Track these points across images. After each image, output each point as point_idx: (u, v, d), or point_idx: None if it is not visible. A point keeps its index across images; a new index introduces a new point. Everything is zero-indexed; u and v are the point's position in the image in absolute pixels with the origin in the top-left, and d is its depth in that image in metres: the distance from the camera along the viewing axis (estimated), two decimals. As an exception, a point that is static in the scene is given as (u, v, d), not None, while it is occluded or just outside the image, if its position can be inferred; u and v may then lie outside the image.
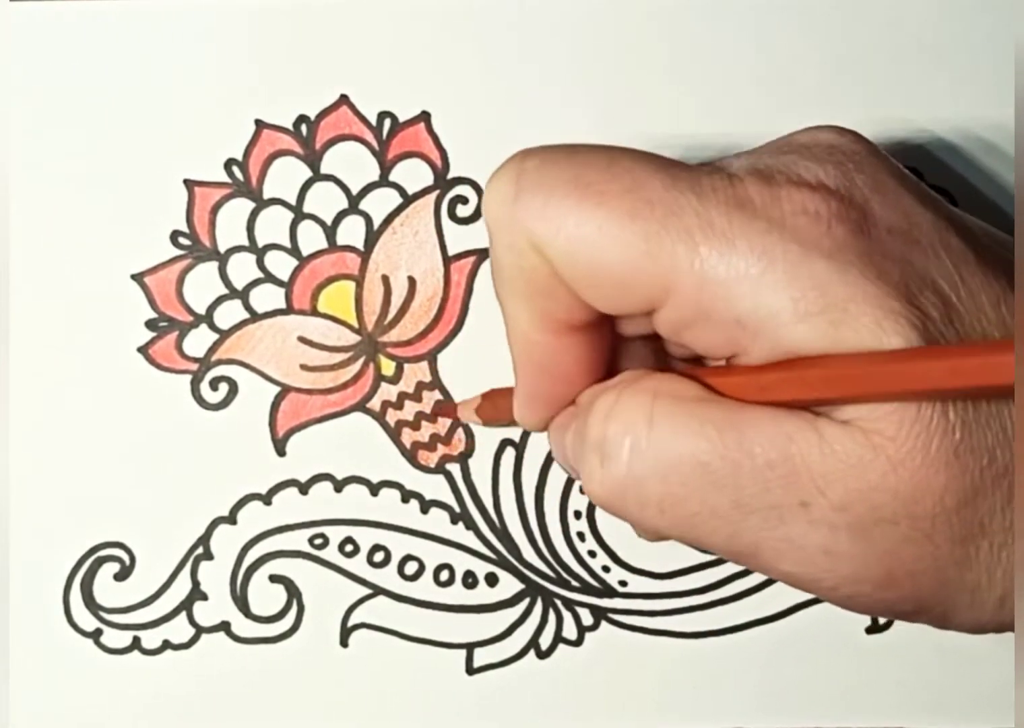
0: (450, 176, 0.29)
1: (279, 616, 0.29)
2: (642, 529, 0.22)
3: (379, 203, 0.29)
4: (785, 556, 0.20)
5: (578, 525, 0.29)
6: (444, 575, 0.29)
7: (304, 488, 0.29)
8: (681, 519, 0.20)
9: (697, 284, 0.20)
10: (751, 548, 0.20)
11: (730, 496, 0.20)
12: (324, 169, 0.29)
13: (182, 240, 0.29)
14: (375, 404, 0.29)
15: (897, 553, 0.19)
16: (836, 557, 0.20)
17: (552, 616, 0.29)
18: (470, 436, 0.29)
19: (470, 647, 0.29)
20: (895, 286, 0.19)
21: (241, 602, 0.29)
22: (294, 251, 0.29)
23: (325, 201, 0.29)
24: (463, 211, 0.29)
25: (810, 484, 0.19)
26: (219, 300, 0.29)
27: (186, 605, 0.29)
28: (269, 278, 0.29)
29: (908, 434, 0.19)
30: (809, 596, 0.30)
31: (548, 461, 0.29)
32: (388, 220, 0.29)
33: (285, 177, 0.29)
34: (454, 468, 0.29)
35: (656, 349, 0.24)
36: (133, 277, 0.29)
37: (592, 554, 0.29)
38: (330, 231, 0.29)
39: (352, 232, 0.29)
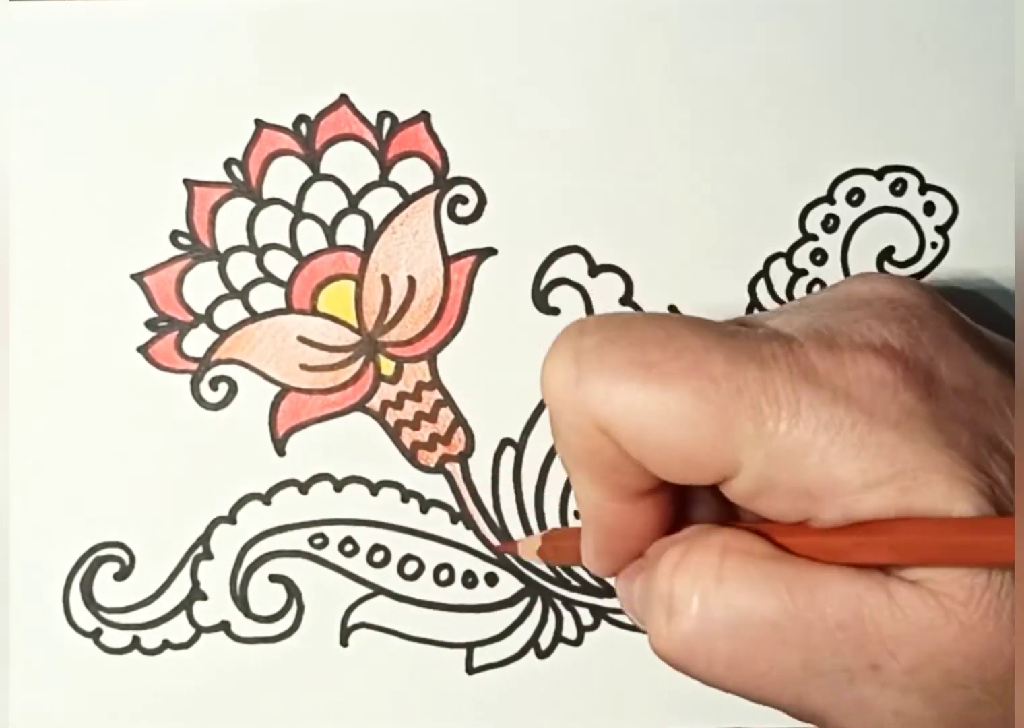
0: (450, 176, 0.29)
1: (279, 616, 0.29)
2: (707, 684, 0.22)
3: (379, 203, 0.29)
4: (854, 718, 0.20)
5: (578, 525, 0.29)
6: (444, 575, 0.29)
7: (304, 488, 0.29)
8: (748, 678, 0.20)
9: (765, 458, 0.20)
10: (820, 709, 0.20)
11: (799, 656, 0.20)
12: (324, 169, 0.29)
13: (182, 240, 0.29)
14: (375, 404, 0.29)
15: (968, 716, 0.19)
16: (907, 719, 0.20)
17: (552, 616, 0.29)
18: (470, 436, 0.29)
19: (470, 647, 0.29)
20: (964, 452, 0.19)
21: (241, 602, 0.29)
22: (294, 251, 0.29)
23: (325, 201, 0.29)
24: (463, 211, 0.29)
25: (880, 646, 0.19)
26: (219, 300, 0.29)
27: (186, 605, 0.29)
28: (269, 278, 0.29)
29: (979, 601, 0.19)
30: (809, 596, 0.30)
31: (548, 461, 0.29)
32: (388, 220, 0.29)
33: (285, 177, 0.29)
34: (454, 468, 0.29)
35: (724, 500, 0.23)
36: (133, 277, 0.29)
37: (592, 554, 0.29)
38: (330, 231, 0.29)
39: (352, 232, 0.29)
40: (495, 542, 0.29)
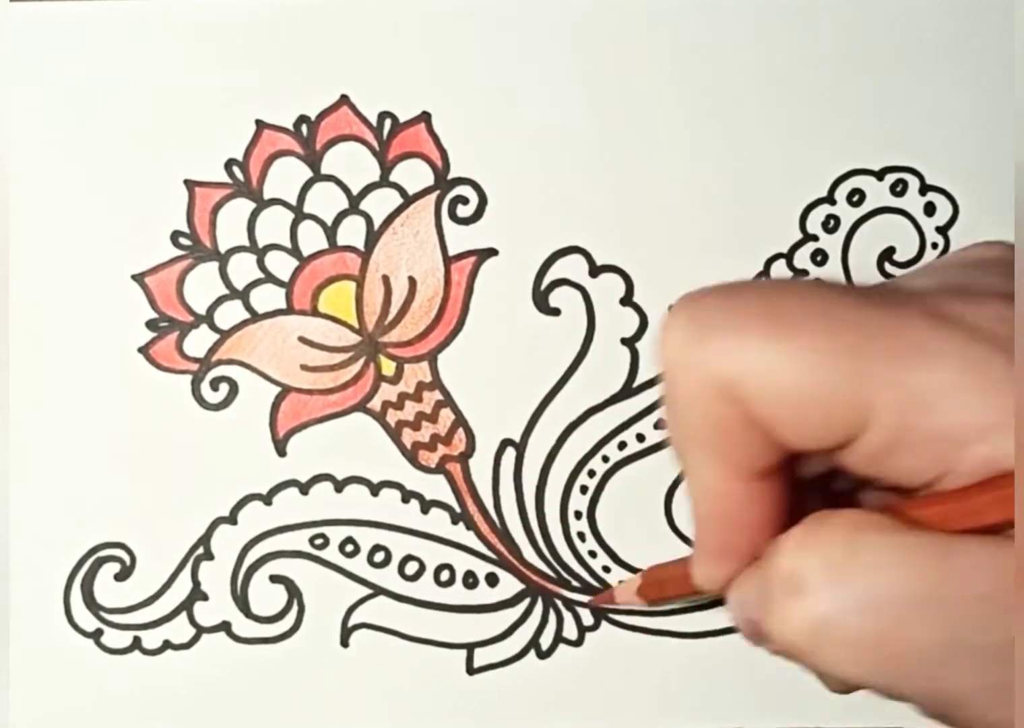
0: (450, 176, 0.29)
1: (280, 616, 0.29)
2: (832, 674, 0.20)
3: (379, 203, 0.29)
4: (997, 704, 0.19)
5: (578, 525, 0.29)
6: (444, 575, 0.29)
7: (305, 488, 0.29)
8: (880, 661, 0.19)
9: (903, 403, 0.19)
10: (959, 694, 0.19)
11: (940, 634, 0.18)
12: (324, 169, 0.29)
13: (183, 240, 0.29)
14: (375, 404, 0.29)
15: None
16: None
17: (552, 616, 0.29)
18: (470, 436, 0.29)
19: (470, 647, 0.29)
20: None
21: (241, 602, 0.29)
22: (294, 251, 0.29)
23: (325, 201, 0.29)
24: (463, 211, 0.29)
25: None
26: (220, 300, 0.29)
27: (186, 605, 0.29)
28: (269, 278, 0.29)
29: None
30: (809, 596, 0.30)
31: (548, 461, 0.29)
32: (388, 220, 0.29)
33: (285, 177, 0.29)
34: (454, 468, 0.29)
35: (827, 495, 0.22)
36: (134, 277, 0.29)
37: (592, 554, 0.29)
38: (330, 231, 0.29)
39: (352, 232, 0.29)
40: (496, 543, 0.29)
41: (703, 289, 0.20)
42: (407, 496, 0.29)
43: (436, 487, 0.29)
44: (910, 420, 0.19)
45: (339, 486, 0.29)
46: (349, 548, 0.29)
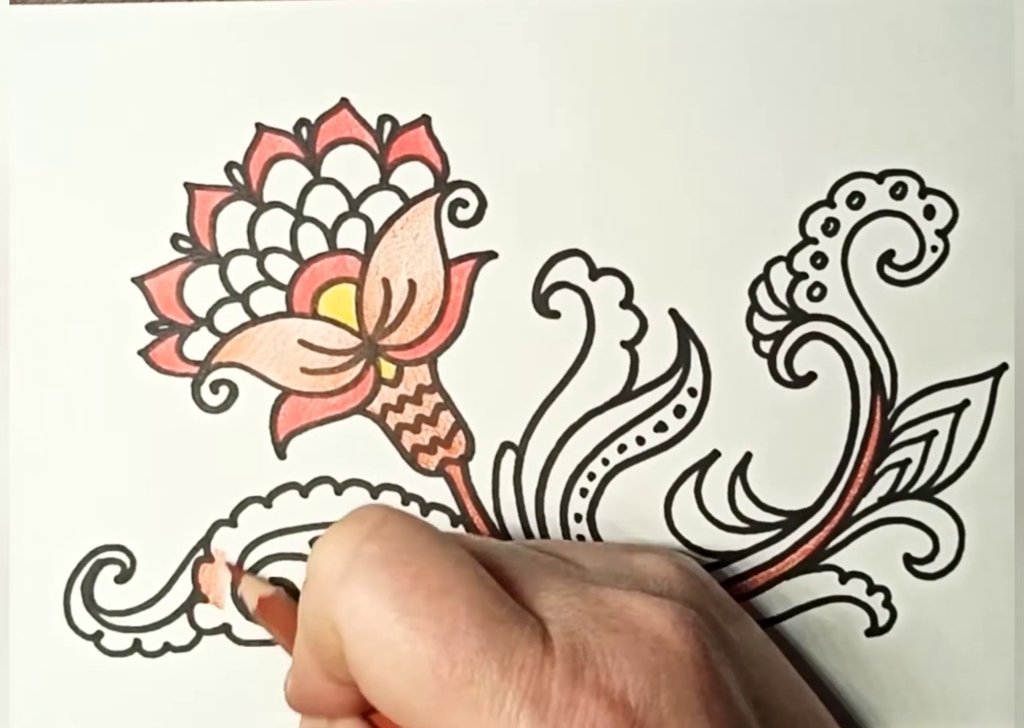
0: (450, 179, 0.29)
1: (279, 618, 0.29)
2: None
3: (379, 206, 0.29)
4: None
5: (578, 528, 0.29)
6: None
7: (305, 491, 0.29)
8: None
9: None
10: None
11: None
12: (324, 172, 0.29)
13: (182, 243, 0.29)
14: (375, 407, 0.29)
15: None
16: None
17: (552, 619, 0.29)
18: (470, 439, 0.29)
19: (470, 650, 0.29)
20: None
21: (242, 604, 0.29)
22: (294, 254, 0.29)
23: (325, 204, 0.29)
24: (463, 214, 0.29)
25: None
26: (219, 303, 0.29)
27: (187, 607, 0.29)
28: (269, 281, 0.29)
29: None
30: (809, 598, 0.30)
31: (548, 464, 0.29)
32: (388, 223, 0.29)
33: (285, 180, 0.29)
34: (454, 471, 0.29)
35: None
36: (133, 280, 0.29)
37: (592, 557, 0.29)
38: (330, 234, 0.29)
39: (352, 235, 0.29)
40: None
41: (377, 525, 0.22)
42: (407, 499, 0.29)
43: (436, 490, 0.29)
44: None
45: (339, 489, 0.29)
46: (349, 551, 0.29)
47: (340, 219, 0.29)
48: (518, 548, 0.24)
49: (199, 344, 0.29)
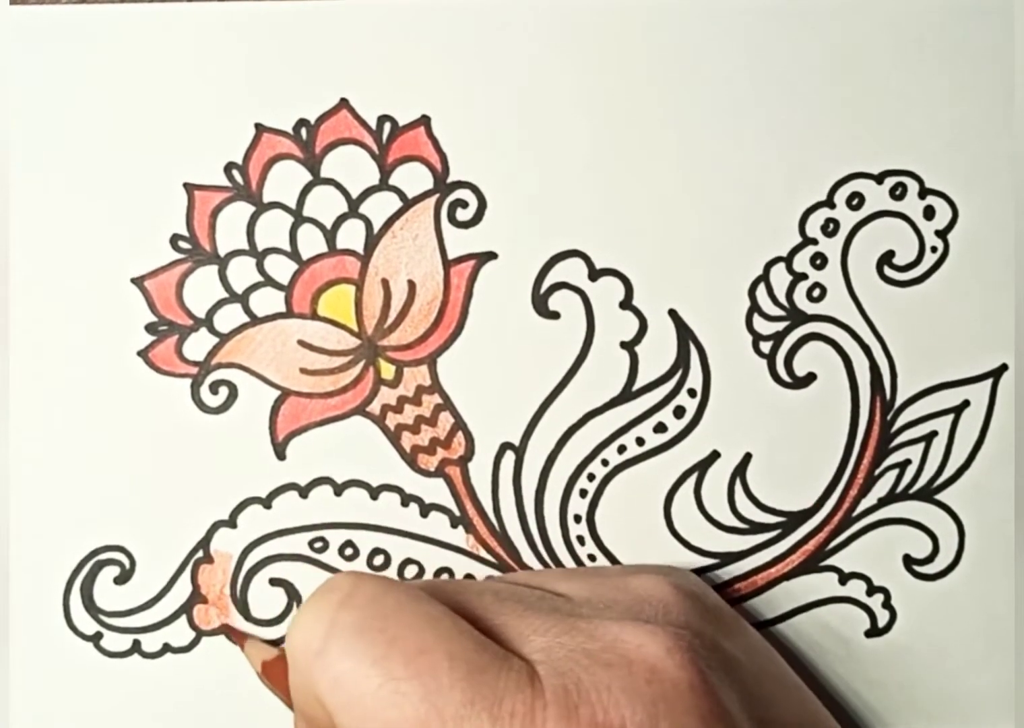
0: (450, 180, 0.29)
1: (279, 619, 0.29)
2: None
3: (379, 207, 0.29)
4: None
5: (578, 529, 0.29)
6: (443, 578, 0.29)
7: (304, 492, 0.29)
8: None
9: None
10: None
11: None
12: (324, 173, 0.29)
13: (182, 244, 0.29)
14: (375, 408, 0.29)
15: None
16: None
17: (552, 619, 0.29)
18: (470, 440, 0.29)
19: (470, 650, 0.29)
20: None
21: (241, 605, 0.29)
22: (294, 255, 0.29)
23: (325, 205, 0.29)
24: (463, 215, 0.29)
25: None
26: (219, 304, 0.29)
27: (186, 608, 0.29)
28: (269, 282, 0.29)
29: None
30: (809, 599, 0.30)
31: (548, 465, 0.29)
32: (388, 224, 0.29)
33: (285, 181, 0.29)
34: (454, 472, 0.29)
35: None
36: (133, 281, 0.29)
37: (592, 558, 0.29)
38: (330, 235, 0.29)
39: (352, 236, 0.29)
40: (495, 546, 0.29)
41: (351, 593, 0.22)
42: (406, 500, 0.29)
43: (435, 491, 0.29)
44: None
45: (338, 489, 0.29)
46: (348, 551, 0.29)
47: (340, 220, 0.29)
48: (501, 589, 0.24)
49: (199, 345, 0.29)
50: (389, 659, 0.21)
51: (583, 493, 0.29)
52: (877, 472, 0.30)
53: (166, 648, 0.29)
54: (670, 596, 0.24)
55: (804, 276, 0.29)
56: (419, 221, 0.29)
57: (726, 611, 0.26)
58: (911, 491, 0.30)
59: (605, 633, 0.22)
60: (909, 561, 0.30)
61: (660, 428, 0.29)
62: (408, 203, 0.29)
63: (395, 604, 0.22)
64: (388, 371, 0.29)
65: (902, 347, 0.30)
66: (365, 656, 0.21)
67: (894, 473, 0.30)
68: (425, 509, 0.29)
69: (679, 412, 0.29)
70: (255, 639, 0.28)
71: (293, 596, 0.29)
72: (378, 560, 0.29)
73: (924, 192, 0.29)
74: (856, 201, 0.29)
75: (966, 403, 0.30)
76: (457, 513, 0.29)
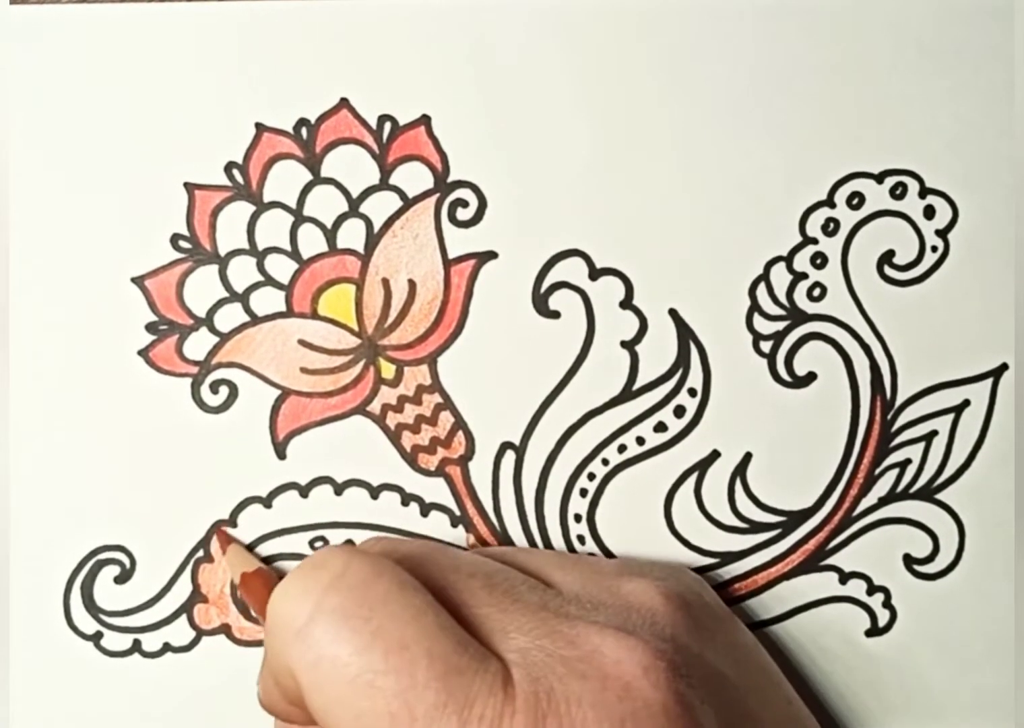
0: (450, 179, 0.29)
1: (279, 619, 0.29)
2: None
3: (379, 206, 0.29)
4: None
5: (578, 528, 0.29)
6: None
7: (304, 491, 0.29)
8: None
9: None
10: None
11: None
12: (324, 172, 0.29)
13: (182, 243, 0.29)
14: (375, 407, 0.29)
15: None
16: None
17: (552, 619, 0.29)
18: (470, 439, 0.29)
19: (470, 650, 0.29)
20: None
21: (241, 605, 0.29)
22: (294, 254, 0.29)
23: (325, 204, 0.29)
24: (463, 214, 0.29)
25: None
26: (219, 303, 0.29)
27: (186, 608, 0.29)
28: (269, 281, 0.29)
29: None
30: (809, 599, 0.30)
31: (548, 464, 0.29)
32: (388, 223, 0.29)
33: (285, 180, 0.29)
34: (454, 471, 0.29)
35: None
36: (133, 280, 0.29)
37: (592, 557, 0.29)
38: (330, 234, 0.29)
39: (352, 235, 0.29)
40: (496, 546, 0.29)
41: (341, 573, 0.22)
42: (407, 499, 0.29)
43: (436, 490, 0.29)
44: None
45: (339, 489, 0.29)
46: (349, 551, 0.29)
47: (340, 219, 0.29)
48: (494, 572, 0.24)
49: (199, 344, 0.29)
50: (371, 650, 0.21)
51: (583, 492, 0.29)
52: (877, 471, 0.30)
53: (166, 647, 0.29)
54: (659, 606, 0.24)
55: (804, 276, 0.29)
56: (419, 220, 0.29)
57: (721, 611, 0.26)
58: (911, 491, 0.30)
59: (586, 642, 0.22)
60: (909, 561, 0.30)
61: (660, 427, 0.29)
62: (408, 203, 0.29)
63: (384, 592, 0.22)
64: (388, 370, 0.29)
65: (902, 346, 0.30)
66: (347, 644, 0.21)
67: (894, 473, 0.30)
68: (425, 508, 0.29)
69: (679, 411, 0.29)
70: (239, 546, 0.28)
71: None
72: (378, 559, 0.29)
73: (924, 192, 0.29)
74: (856, 201, 0.29)
75: (966, 403, 0.30)
76: (457, 513, 0.29)
